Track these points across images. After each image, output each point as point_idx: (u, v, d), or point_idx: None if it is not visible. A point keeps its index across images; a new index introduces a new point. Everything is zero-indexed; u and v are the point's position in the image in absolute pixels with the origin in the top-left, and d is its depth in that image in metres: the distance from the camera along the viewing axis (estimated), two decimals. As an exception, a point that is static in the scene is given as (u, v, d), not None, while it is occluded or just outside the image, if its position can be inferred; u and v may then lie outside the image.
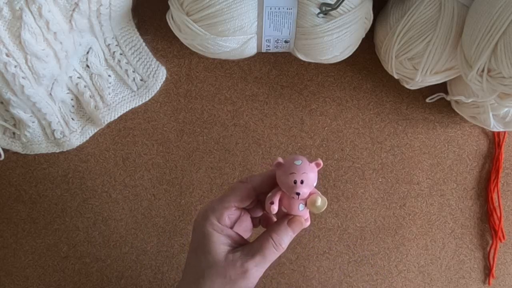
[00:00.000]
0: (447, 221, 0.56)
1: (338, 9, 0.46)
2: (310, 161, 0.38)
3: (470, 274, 0.56)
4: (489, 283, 0.56)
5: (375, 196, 0.56)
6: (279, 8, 0.46)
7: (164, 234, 0.54)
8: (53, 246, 0.54)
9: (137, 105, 0.54)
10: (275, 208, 0.37)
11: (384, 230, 0.56)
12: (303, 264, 0.55)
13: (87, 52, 0.52)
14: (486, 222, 0.57)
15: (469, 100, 0.51)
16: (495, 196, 0.56)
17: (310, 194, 0.37)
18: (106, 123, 0.54)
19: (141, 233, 0.54)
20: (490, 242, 0.57)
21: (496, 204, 0.56)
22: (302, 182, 0.36)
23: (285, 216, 0.39)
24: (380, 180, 0.56)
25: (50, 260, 0.54)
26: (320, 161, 0.37)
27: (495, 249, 0.56)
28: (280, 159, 0.37)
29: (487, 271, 0.57)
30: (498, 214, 0.56)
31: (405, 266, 0.56)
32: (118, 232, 0.54)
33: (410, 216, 0.56)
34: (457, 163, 0.56)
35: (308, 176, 0.37)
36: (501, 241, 0.56)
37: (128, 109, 0.54)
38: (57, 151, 0.54)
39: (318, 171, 0.38)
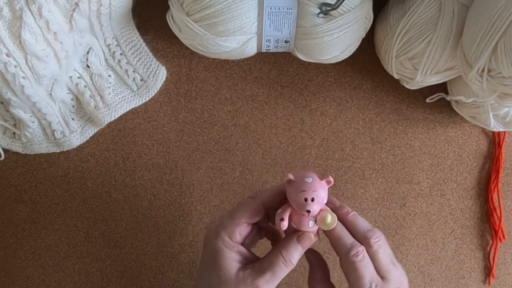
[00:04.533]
0: (447, 221, 0.56)
1: (338, 9, 0.46)
2: (321, 178, 0.38)
3: (470, 274, 0.56)
4: (489, 283, 0.56)
5: (375, 196, 0.56)
6: (279, 8, 0.46)
7: (164, 234, 0.54)
8: (53, 246, 0.54)
9: (137, 105, 0.54)
10: (285, 224, 0.37)
11: (384, 230, 0.55)
12: (303, 264, 0.55)
13: (87, 52, 0.52)
14: (486, 222, 0.57)
15: (469, 100, 0.51)
16: (495, 196, 0.56)
17: (320, 210, 0.38)
18: (106, 123, 0.54)
19: (141, 233, 0.54)
20: (490, 242, 0.57)
21: (496, 204, 0.56)
22: (312, 200, 0.37)
23: (295, 232, 0.39)
24: (380, 180, 0.56)
25: (50, 260, 0.54)
26: (331, 179, 0.38)
27: (495, 249, 0.56)
28: (291, 176, 0.37)
29: (487, 271, 0.57)
30: (498, 214, 0.56)
31: (405, 266, 0.56)
32: (118, 232, 0.54)
33: (410, 216, 0.56)
34: (457, 163, 0.56)
35: (319, 194, 0.37)
36: (501, 241, 0.56)
37: (128, 109, 0.54)
38: (57, 151, 0.54)
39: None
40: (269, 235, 0.44)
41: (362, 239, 0.39)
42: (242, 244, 0.40)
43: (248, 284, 0.37)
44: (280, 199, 0.40)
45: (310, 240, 0.39)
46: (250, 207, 0.40)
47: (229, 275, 0.38)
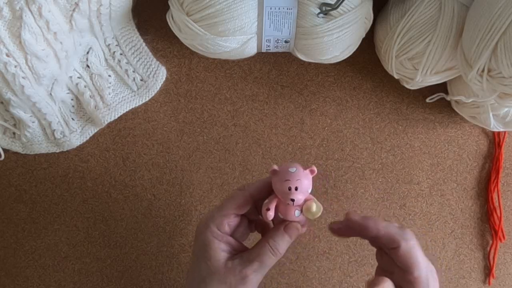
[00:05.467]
0: (447, 221, 0.56)
1: (338, 9, 0.46)
2: (305, 168, 0.38)
3: (470, 274, 0.56)
4: (489, 283, 0.56)
5: (375, 196, 0.56)
6: (279, 8, 0.47)
7: (164, 234, 0.54)
8: (53, 246, 0.54)
9: (137, 105, 0.54)
10: (271, 214, 0.38)
11: (384, 230, 0.56)
12: (303, 264, 0.55)
13: (87, 52, 0.52)
14: (486, 222, 0.57)
15: (469, 100, 0.51)
16: (495, 196, 0.56)
17: (306, 200, 0.39)
18: (106, 123, 0.54)
19: (141, 233, 0.54)
20: (490, 242, 0.57)
21: (496, 204, 0.56)
22: (296, 188, 0.37)
23: (282, 222, 0.40)
24: (380, 180, 0.56)
25: (50, 260, 0.54)
26: (314, 168, 0.39)
27: (495, 249, 0.56)
28: (275, 167, 0.38)
29: (487, 271, 0.57)
30: (498, 214, 0.56)
31: (405, 266, 0.56)
32: (118, 232, 0.54)
33: (410, 216, 0.56)
34: (457, 163, 0.56)
35: (302, 182, 0.38)
36: (501, 241, 0.56)
37: (128, 109, 0.54)
38: (57, 151, 0.54)
39: (317, 175, 0.38)
40: (259, 228, 0.45)
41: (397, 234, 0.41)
42: (232, 235, 0.41)
43: (237, 273, 0.38)
44: (268, 191, 0.40)
45: (297, 229, 0.40)
46: (238, 199, 0.41)
47: (218, 265, 0.39)
